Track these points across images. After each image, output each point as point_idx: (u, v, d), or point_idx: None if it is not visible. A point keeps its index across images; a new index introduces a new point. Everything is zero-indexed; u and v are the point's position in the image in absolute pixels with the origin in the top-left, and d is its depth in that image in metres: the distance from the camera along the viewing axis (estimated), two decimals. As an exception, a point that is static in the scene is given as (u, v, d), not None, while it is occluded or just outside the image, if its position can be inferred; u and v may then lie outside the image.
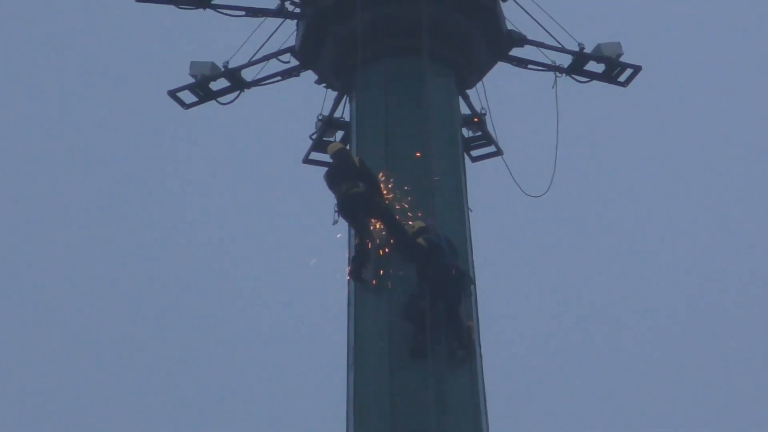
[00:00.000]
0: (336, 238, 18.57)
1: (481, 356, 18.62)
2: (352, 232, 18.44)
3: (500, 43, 19.78)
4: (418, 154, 17.91)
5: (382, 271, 18.15)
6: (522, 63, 19.90)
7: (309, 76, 19.78)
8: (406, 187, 18.33)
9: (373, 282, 17.89)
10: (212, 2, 19.30)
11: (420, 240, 17.52)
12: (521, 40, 19.69)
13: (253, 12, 19.24)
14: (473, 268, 18.86)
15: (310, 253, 19.42)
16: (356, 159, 18.12)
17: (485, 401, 18.48)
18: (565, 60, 20.10)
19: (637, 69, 19.98)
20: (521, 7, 19.70)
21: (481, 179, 19.36)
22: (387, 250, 17.98)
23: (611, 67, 19.88)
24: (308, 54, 19.66)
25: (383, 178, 18.13)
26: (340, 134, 20.35)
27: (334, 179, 17.85)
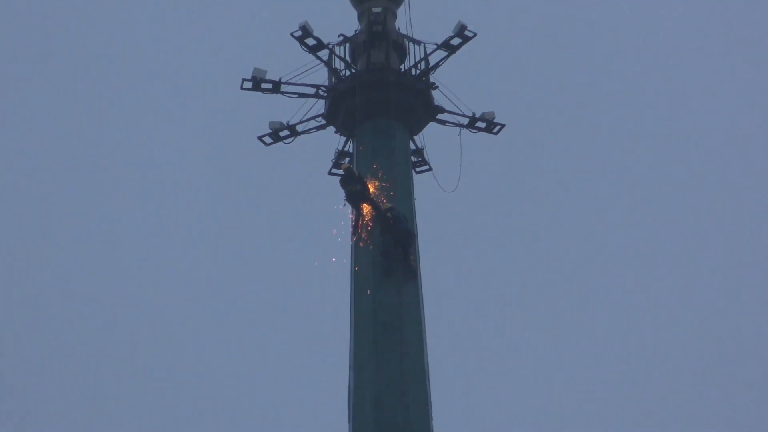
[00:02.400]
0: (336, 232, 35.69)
1: (420, 276, 35.99)
2: (354, 212, 35.78)
3: (431, 112, 37.31)
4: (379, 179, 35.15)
5: (367, 237, 35.56)
6: (442, 122, 37.49)
7: (331, 129, 37.31)
8: (384, 184, 35.58)
9: (368, 241, 35.24)
10: (282, 90, 36.75)
11: (389, 214, 34.81)
12: (442, 110, 37.29)
13: (303, 96, 36.73)
14: (417, 230, 36.21)
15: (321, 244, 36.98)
16: (356, 172, 35.32)
17: (423, 299, 35.84)
18: (464, 120, 37.69)
19: (502, 126, 37.63)
20: (443, 94, 37.29)
21: (420, 183, 36.93)
22: (371, 223, 35.33)
23: (489, 125, 37.51)
24: (331, 117, 37.15)
25: (370, 182, 35.43)
26: (347, 159, 37.72)
27: (343, 183, 35.05)
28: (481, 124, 37.85)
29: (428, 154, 38.12)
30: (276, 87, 37.24)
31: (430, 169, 38.09)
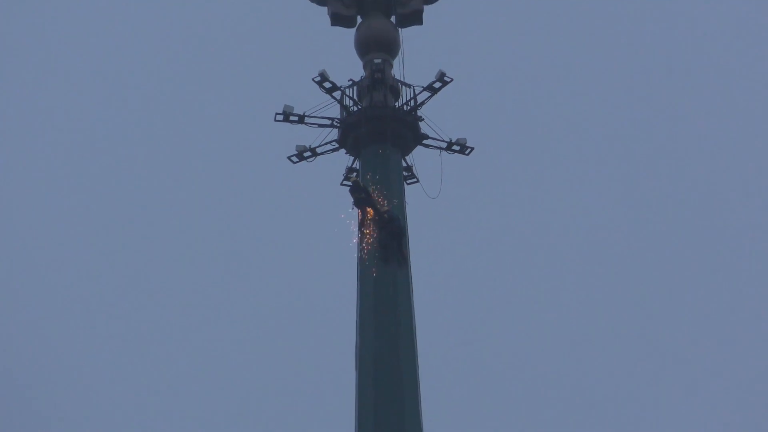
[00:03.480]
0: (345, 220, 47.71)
1: (410, 263, 47.77)
2: (360, 213, 47.59)
3: (418, 138, 49.25)
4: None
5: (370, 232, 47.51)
6: (427, 146, 49.38)
7: (342, 151, 49.38)
8: (383, 193, 47.35)
9: (370, 235, 47.10)
10: (305, 122, 48.80)
11: (386, 215, 46.50)
12: (426, 137, 49.17)
13: (321, 126, 48.76)
14: (407, 227, 48.04)
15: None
16: (361, 183, 46.99)
17: (412, 281, 47.60)
18: (443, 144, 49.59)
19: (472, 148, 49.50)
20: (428, 125, 49.37)
21: (410, 191, 49.11)
22: (374, 220, 47.19)
23: (462, 148, 49.36)
24: (342, 142, 49.13)
25: (373, 191, 47.17)
26: (354, 174, 49.49)
27: (352, 192, 46.75)
28: (456, 147, 49.79)
29: (416, 170, 50.06)
30: (300, 119, 49.27)
31: (418, 181, 49.97)
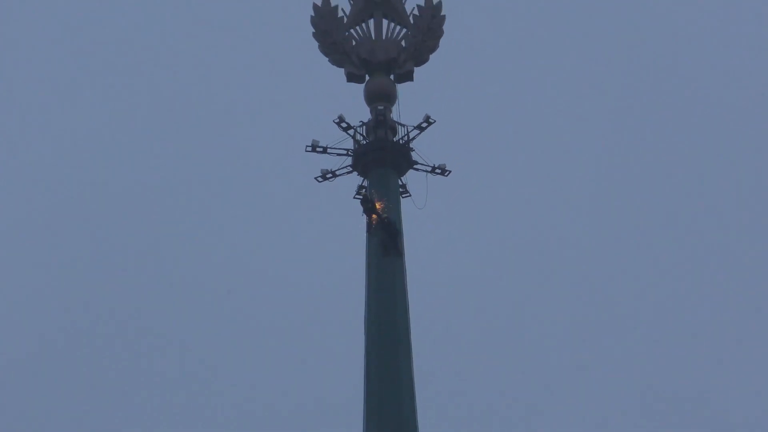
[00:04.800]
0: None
1: (404, 255, 59.09)
2: (367, 218, 63.06)
3: (410, 164, 62.42)
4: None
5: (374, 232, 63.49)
6: (417, 169, 62.12)
7: (355, 173, 63.26)
8: (385, 203, 60.39)
9: (374, 234, 62.60)
10: (328, 152, 64.69)
11: (386, 220, 55.88)
12: (416, 163, 62.75)
13: (339, 154, 63.04)
14: (402, 228, 61.59)
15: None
16: (369, 196, 59.88)
17: (405, 269, 59.25)
18: (429, 168, 63.40)
19: (450, 171, 63.97)
20: (418, 154, 63.38)
21: (404, 203, 62.70)
22: (377, 223, 63.17)
23: (443, 171, 63.30)
24: (355, 167, 61.09)
25: (377, 200, 61.38)
26: (364, 189, 64.70)
27: (362, 203, 57.14)
28: (438, 171, 61.58)
29: (408, 187, 61.92)
30: (324, 150, 61.12)
31: (410, 195, 61.71)
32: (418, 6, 65.33)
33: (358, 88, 64.51)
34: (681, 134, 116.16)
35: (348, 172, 62.54)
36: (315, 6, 65.38)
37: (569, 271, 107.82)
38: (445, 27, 65.12)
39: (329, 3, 65.21)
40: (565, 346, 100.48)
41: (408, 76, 64.27)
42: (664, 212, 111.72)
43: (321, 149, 61.94)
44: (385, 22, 64.63)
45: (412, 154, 62.62)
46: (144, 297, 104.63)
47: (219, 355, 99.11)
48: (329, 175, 62.38)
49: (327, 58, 64.53)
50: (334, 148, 62.16)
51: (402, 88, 63.87)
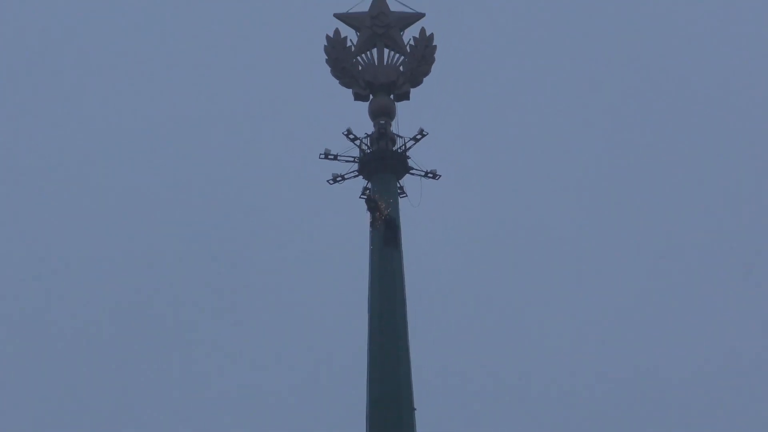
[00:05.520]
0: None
1: (402, 246, 67.63)
2: (371, 215, 74.63)
3: (407, 169, 71.70)
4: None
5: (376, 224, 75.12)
6: (413, 174, 71.24)
7: (360, 177, 73.14)
8: (386, 202, 72.45)
9: (377, 228, 74.40)
10: (338, 159, 75.44)
11: (387, 216, 64.33)
12: (412, 168, 72.38)
13: (347, 161, 73.67)
14: (401, 222, 72.87)
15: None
16: (372, 196, 71.68)
17: (403, 258, 68.21)
18: (422, 173, 73.51)
19: (440, 175, 74.19)
20: (413, 160, 73.48)
21: (401, 202, 73.15)
22: (380, 219, 75.30)
23: (434, 175, 72.85)
24: (361, 171, 69.32)
25: (380, 200, 73.55)
26: (368, 190, 76.06)
27: (367, 201, 68.55)
28: (430, 175, 68.92)
29: (405, 188, 69.32)
30: (335, 157, 68.36)
31: (406, 195, 69.07)
32: (414, 38, 73.57)
33: (364, 106, 72.65)
34: (680, 134, 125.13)
35: (355, 176, 70.24)
36: (328, 37, 73.54)
37: (550, 260, 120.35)
38: (436, 55, 73.70)
39: (339, 34, 73.47)
40: (550, 324, 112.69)
41: (405, 96, 72.75)
42: (654, 213, 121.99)
43: (332, 156, 69.72)
44: (386, 51, 73.10)
45: (409, 161, 70.46)
46: (151, 297, 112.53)
47: (220, 355, 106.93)
48: (339, 179, 70.18)
49: (338, 81, 72.92)
50: (343, 156, 70.08)
51: (400, 106, 72.24)
